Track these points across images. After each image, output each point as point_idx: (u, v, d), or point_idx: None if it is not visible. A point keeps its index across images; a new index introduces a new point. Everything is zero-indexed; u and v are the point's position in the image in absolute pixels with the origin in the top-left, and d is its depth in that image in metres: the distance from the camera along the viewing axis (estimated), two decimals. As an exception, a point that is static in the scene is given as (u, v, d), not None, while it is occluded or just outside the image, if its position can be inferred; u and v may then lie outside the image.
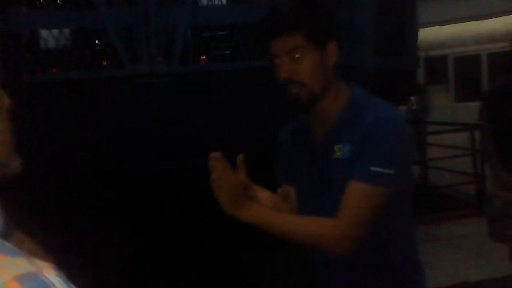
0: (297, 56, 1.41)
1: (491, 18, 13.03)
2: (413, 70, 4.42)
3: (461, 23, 13.46)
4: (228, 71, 3.51)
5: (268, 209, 1.48)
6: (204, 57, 3.92)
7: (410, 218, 1.57)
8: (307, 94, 1.44)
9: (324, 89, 1.46)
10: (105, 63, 3.66)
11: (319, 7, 1.47)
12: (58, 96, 3.29)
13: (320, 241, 1.43)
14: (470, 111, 12.30)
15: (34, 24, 3.47)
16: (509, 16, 12.70)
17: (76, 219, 3.28)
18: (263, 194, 1.53)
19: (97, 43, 3.85)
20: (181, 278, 3.57)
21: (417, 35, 4.39)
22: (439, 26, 13.37)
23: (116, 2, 3.61)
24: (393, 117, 1.46)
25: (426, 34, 9.31)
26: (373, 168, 1.38)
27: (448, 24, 13.41)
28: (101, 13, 3.28)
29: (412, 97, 8.21)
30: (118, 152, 3.38)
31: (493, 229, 3.28)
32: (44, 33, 3.65)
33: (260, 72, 3.31)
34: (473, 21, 13.33)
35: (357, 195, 1.40)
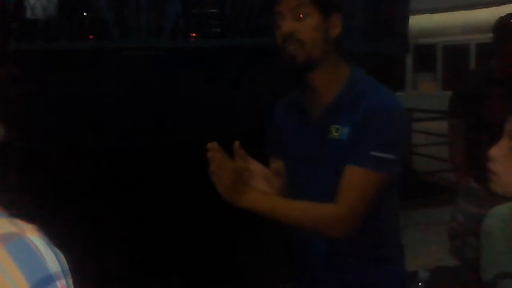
0: (300, 15, 1.44)
1: (480, 8, 13.06)
2: (402, 55, 4.43)
3: (451, 12, 13.48)
4: (218, 48, 3.48)
5: (266, 194, 1.47)
6: (194, 34, 3.88)
7: (396, 201, 1.58)
8: (304, 55, 1.44)
9: (322, 56, 1.46)
10: (91, 36, 3.60)
11: None
12: (44, 66, 3.24)
13: (319, 226, 1.44)
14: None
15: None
16: (498, 6, 12.74)
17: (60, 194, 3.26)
18: (255, 167, 1.52)
19: (85, 15, 3.79)
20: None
21: (407, 21, 4.39)
22: (429, 14, 13.37)
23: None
24: (393, 103, 1.48)
25: (416, 21, 9.30)
26: (373, 153, 1.40)
27: (438, 13, 13.41)
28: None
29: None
30: (103, 127, 3.35)
31: (453, 247, 2.85)
32: (31, 2, 3.58)
33: (250, 50, 3.30)
34: (462, 11, 13.35)
35: (356, 180, 1.41)
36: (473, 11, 13.17)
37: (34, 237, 0.59)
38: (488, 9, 12.91)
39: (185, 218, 3.54)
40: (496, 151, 1.19)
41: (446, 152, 6.78)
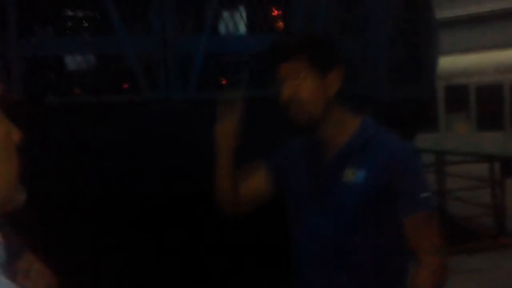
0: (298, 79, 1.53)
1: (512, 48, 12.93)
2: (429, 100, 4.39)
3: (482, 53, 13.37)
4: (245, 99, 3.52)
5: None
6: (225, 81, 3.96)
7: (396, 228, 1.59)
8: (306, 115, 1.54)
9: (324, 113, 1.54)
10: (126, 86, 3.71)
11: (321, 38, 1.64)
12: (78, 118, 3.34)
13: (439, 285, 1.52)
14: (492, 140, 12.17)
15: (57, 49, 3.55)
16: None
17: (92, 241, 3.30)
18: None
19: (118, 68, 3.92)
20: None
21: (435, 65, 4.37)
22: (461, 55, 13.30)
23: (136, 28, 3.67)
24: (410, 147, 1.62)
25: (447, 62, 9.28)
26: (422, 195, 1.50)
27: (469, 53, 13.32)
28: (121, 38, 3.34)
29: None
30: (132, 176, 3.40)
31: None
32: (68, 57, 3.74)
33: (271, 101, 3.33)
34: (495, 51, 13.23)
35: (423, 225, 1.50)
36: (505, 51, 13.04)
37: None
38: (521, 48, 12.78)
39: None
40: None
41: (482, 197, 6.65)
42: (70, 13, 3.84)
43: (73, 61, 3.76)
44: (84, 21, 3.71)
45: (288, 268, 1.69)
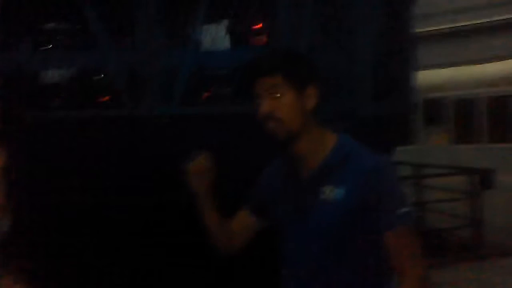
0: (276, 95, 1.55)
1: (488, 63, 13.22)
2: (409, 113, 4.46)
3: (459, 67, 13.64)
4: (228, 114, 3.54)
5: None
6: (207, 94, 3.96)
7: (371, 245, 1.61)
8: (284, 131, 1.55)
9: (301, 129, 1.57)
10: (105, 99, 3.69)
11: (298, 54, 1.68)
12: (57, 133, 3.32)
13: None
14: (468, 153, 12.38)
15: (37, 64, 3.52)
16: (507, 60, 12.89)
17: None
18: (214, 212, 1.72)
19: (98, 80, 3.89)
20: None
21: (413, 80, 4.44)
22: (437, 69, 13.54)
23: (120, 42, 3.67)
24: (387, 162, 1.64)
25: (425, 76, 9.44)
26: (401, 210, 1.52)
27: (446, 67, 13.58)
28: (105, 53, 3.34)
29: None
30: (113, 192, 3.38)
31: None
32: (46, 71, 3.70)
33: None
34: (471, 65, 13.50)
35: (402, 240, 1.52)
36: (481, 65, 13.33)
37: None
38: (496, 63, 13.07)
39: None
40: None
41: (459, 209, 6.74)
42: (52, 26, 3.81)
43: (53, 75, 3.72)
44: (66, 35, 3.68)
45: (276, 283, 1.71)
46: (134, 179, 3.31)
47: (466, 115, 13.98)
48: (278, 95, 1.54)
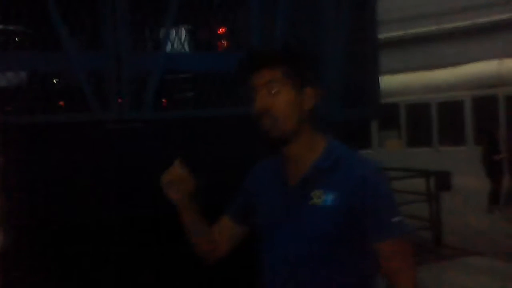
0: (274, 91, 1.47)
1: (439, 69, 13.65)
2: (375, 118, 4.54)
3: (411, 73, 14.03)
4: (195, 119, 3.46)
5: None
6: (165, 100, 3.87)
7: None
8: (278, 129, 1.48)
9: (296, 129, 1.49)
10: (62, 103, 3.56)
11: (301, 51, 1.57)
12: (20, 139, 3.17)
13: None
14: (421, 156, 12.71)
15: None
16: (456, 67, 13.35)
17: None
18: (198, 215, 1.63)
19: (56, 83, 3.74)
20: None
21: (379, 85, 4.53)
22: (390, 75, 13.87)
23: (87, 44, 3.54)
24: (380, 169, 1.55)
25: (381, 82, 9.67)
26: (393, 220, 1.47)
27: (399, 73, 13.93)
28: (71, 55, 3.21)
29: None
30: (81, 200, 3.26)
31: None
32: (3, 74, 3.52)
33: (223, 120, 3.31)
34: (422, 71, 13.91)
35: (397, 250, 1.47)
36: (431, 72, 13.75)
37: None
38: (446, 69, 13.53)
39: None
40: None
41: (418, 211, 6.89)
42: (12, 27, 3.64)
43: (8, 78, 3.55)
44: (29, 36, 3.52)
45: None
46: (103, 186, 3.20)
47: (418, 120, 14.39)
48: (276, 91, 1.47)
